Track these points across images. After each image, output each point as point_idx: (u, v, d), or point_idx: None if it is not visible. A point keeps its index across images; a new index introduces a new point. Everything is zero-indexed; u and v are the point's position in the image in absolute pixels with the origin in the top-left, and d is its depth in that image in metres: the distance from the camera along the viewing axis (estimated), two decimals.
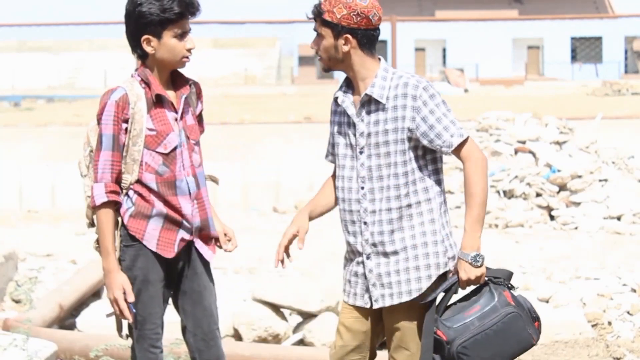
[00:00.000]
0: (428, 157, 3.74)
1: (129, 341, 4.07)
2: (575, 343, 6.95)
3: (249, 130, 18.68)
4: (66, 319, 7.61)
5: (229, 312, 7.26)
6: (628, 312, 7.42)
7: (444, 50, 59.84)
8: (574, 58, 59.32)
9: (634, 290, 7.76)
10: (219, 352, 4.09)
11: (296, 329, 7.44)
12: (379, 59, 3.77)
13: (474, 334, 3.57)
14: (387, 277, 3.72)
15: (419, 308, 3.70)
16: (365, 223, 3.75)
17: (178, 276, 4.02)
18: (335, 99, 3.84)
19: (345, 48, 3.69)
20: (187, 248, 3.98)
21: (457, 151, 3.68)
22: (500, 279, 3.70)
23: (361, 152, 3.76)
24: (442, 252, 3.72)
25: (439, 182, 3.76)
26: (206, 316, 4.06)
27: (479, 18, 52.66)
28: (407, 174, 3.70)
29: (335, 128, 3.86)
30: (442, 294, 3.69)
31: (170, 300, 4.11)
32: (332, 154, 3.94)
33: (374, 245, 3.75)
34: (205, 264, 4.04)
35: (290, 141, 16.90)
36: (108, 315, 4.00)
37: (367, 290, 3.79)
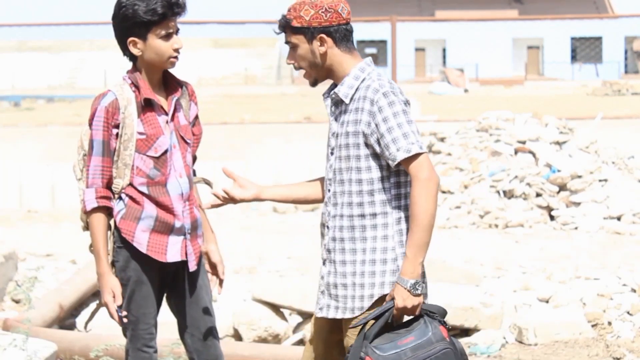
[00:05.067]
0: (392, 170, 3.44)
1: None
2: (575, 343, 6.94)
3: (249, 130, 18.69)
4: (66, 319, 7.60)
5: (228, 312, 7.26)
6: (628, 312, 7.41)
7: (444, 50, 59.83)
8: (574, 58, 59.33)
9: (634, 290, 7.75)
10: (217, 351, 4.08)
11: (296, 329, 7.43)
12: (360, 58, 3.52)
13: None
14: (335, 289, 3.50)
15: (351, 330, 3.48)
16: (327, 227, 3.54)
17: (173, 277, 4.02)
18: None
19: (322, 49, 3.45)
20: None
21: (405, 166, 3.39)
22: (435, 314, 3.43)
23: (332, 153, 3.54)
24: (391, 272, 3.43)
25: (399, 197, 3.46)
26: (203, 316, 4.05)
27: (479, 18, 52.77)
28: (361, 182, 3.45)
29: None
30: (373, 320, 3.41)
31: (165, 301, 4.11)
32: None
33: (329, 251, 3.52)
34: (200, 263, 4.04)
35: (290, 141, 16.90)
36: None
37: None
